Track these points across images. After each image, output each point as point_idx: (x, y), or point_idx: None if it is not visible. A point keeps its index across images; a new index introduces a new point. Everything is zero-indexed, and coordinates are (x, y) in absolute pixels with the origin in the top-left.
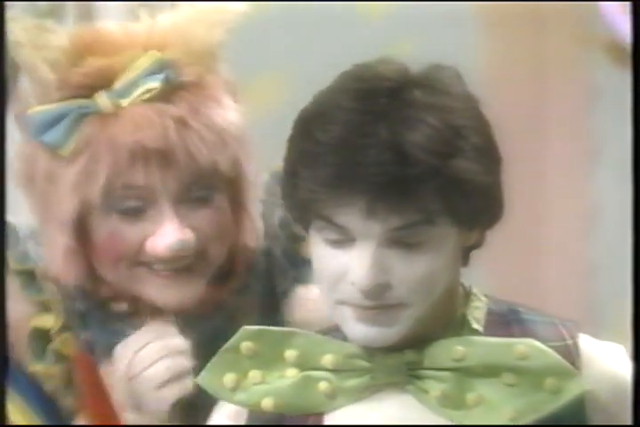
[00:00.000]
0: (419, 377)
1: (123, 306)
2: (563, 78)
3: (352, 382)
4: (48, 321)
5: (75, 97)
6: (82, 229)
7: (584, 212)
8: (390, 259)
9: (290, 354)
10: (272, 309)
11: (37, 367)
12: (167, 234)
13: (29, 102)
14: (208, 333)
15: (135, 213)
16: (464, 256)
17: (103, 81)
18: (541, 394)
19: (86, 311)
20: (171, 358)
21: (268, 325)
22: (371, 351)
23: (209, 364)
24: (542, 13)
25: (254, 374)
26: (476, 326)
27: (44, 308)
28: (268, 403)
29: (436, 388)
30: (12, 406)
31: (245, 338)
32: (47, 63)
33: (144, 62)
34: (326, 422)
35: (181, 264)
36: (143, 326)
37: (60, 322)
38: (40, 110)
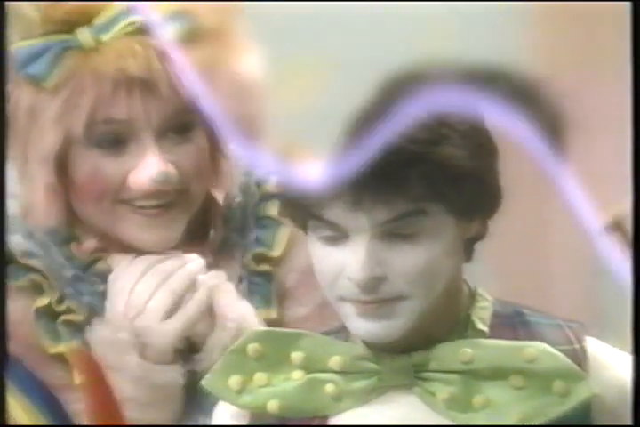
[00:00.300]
0: (426, 379)
1: (91, 243)
2: (610, 74)
3: (359, 385)
4: (45, 300)
5: (57, 33)
6: (62, 166)
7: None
8: (385, 251)
9: (296, 356)
10: (227, 264)
11: (59, 348)
12: (150, 166)
13: (12, 40)
14: None
15: (116, 148)
16: (467, 250)
17: (85, 18)
18: (549, 397)
19: (73, 274)
20: (173, 278)
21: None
22: (378, 353)
23: (214, 366)
24: (590, 7)
25: (260, 377)
26: (481, 326)
27: (36, 290)
28: (273, 405)
29: (443, 390)
30: (14, 403)
31: (252, 340)
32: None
33: (121, 4)
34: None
35: (163, 201)
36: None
37: (56, 295)
38: (23, 45)
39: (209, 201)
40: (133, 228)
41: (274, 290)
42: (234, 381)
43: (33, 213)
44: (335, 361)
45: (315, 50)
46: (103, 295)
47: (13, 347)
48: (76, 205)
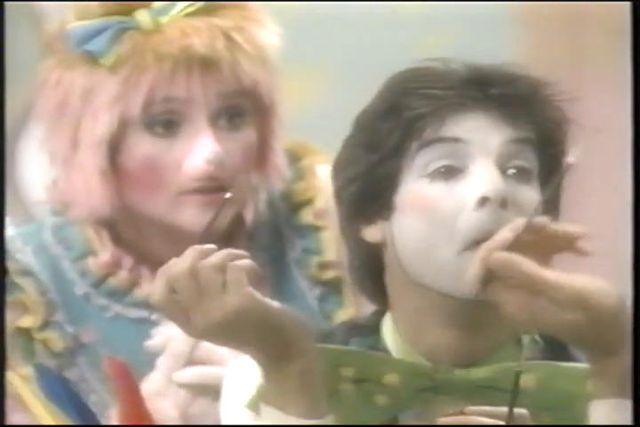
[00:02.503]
0: (486, 395)
1: (106, 255)
2: (601, 74)
3: (413, 396)
4: (28, 321)
5: (115, 14)
6: (115, 153)
7: (621, 211)
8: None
9: (347, 372)
10: (282, 280)
11: (24, 371)
12: (204, 147)
13: (65, 21)
14: None
15: (170, 131)
16: None
17: (143, 0)
18: None
19: (83, 297)
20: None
21: (279, 296)
22: (434, 367)
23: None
24: (580, 9)
25: None
26: (537, 337)
27: (23, 308)
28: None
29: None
30: (45, 411)
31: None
32: None
33: None
34: None
35: (217, 183)
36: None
37: (41, 319)
38: (81, 24)
39: (236, 219)
40: (188, 211)
41: (345, 292)
42: None
43: (83, 202)
44: (390, 378)
45: (318, 51)
46: (111, 321)
47: None
48: (126, 193)
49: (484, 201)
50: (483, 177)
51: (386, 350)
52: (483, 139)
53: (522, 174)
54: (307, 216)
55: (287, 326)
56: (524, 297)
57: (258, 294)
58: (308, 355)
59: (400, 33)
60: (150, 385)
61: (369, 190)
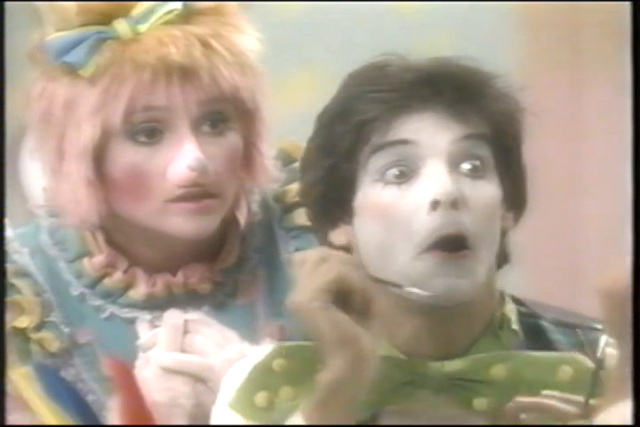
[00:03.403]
0: (462, 387)
1: (100, 258)
2: (597, 75)
3: (391, 390)
4: (24, 321)
5: (93, 24)
6: (100, 163)
7: (620, 211)
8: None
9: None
10: (275, 280)
11: (22, 370)
12: (187, 154)
13: (46, 32)
14: (211, 309)
15: (153, 139)
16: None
17: (121, 9)
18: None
19: (79, 298)
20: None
21: (273, 296)
22: (411, 361)
23: (239, 385)
24: (578, 11)
25: (286, 391)
26: (514, 326)
27: (20, 309)
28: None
29: (478, 399)
30: (47, 410)
31: (277, 356)
32: None
33: None
34: None
35: (202, 190)
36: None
37: (37, 319)
38: (60, 35)
39: (229, 221)
40: (175, 218)
41: None
42: (260, 398)
43: (73, 211)
44: None
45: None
46: (106, 322)
47: None
48: (113, 201)
49: (435, 204)
50: (433, 180)
51: None
52: (431, 139)
53: (476, 170)
54: (300, 217)
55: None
56: None
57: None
58: (357, 366)
59: (397, 35)
60: (148, 373)
61: (329, 195)
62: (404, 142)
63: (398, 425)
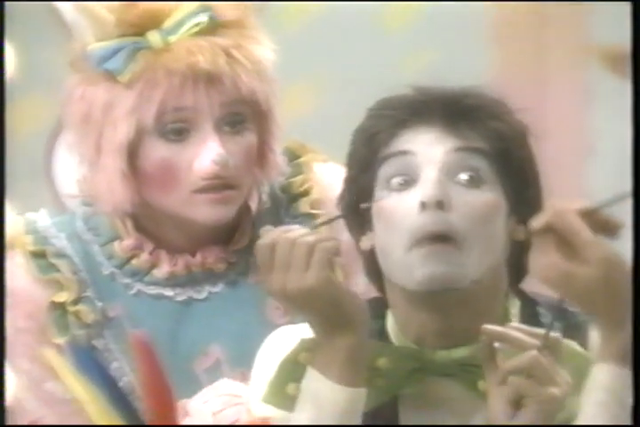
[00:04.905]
0: (467, 372)
1: (130, 241)
2: (562, 82)
3: (406, 379)
4: (62, 296)
5: (129, 35)
6: (133, 156)
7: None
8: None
9: None
10: None
11: (58, 341)
12: (211, 150)
13: (86, 42)
14: (225, 286)
15: (181, 137)
16: (516, 258)
17: (154, 21)
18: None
19: (109, 276)
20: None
21: None
22: (422, 351)
23: (270, 379)
24: (546, 26)
25: None
26: (514, 319)
27: (59, 285)
28: None
29: (483, 381)
30: (75, 383)
31: (302, 349)
32: (105, 7)
33: (189, 5)
34: None
35: (221, 183)
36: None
37: (74, 295)
38: (101, 45)
39: (243, 209)
40: (200, 207)
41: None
42: (291, 388)
43: (107, 200)
44: (382, 362)
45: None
46: (134, 298)
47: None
48: (145, 191)
49: (423, 205)
50: (424, 185)
51: (387, 335)
52: (428, 150)
53: (473, 181)
54: (304, 206)
55: (349, 306)
56: (558, 259)
57: (334, 277)
58: (360, 332)
59: (387, 50)
60: None
61: (353, 204)
62: (405, 153)
63: (388, 425)
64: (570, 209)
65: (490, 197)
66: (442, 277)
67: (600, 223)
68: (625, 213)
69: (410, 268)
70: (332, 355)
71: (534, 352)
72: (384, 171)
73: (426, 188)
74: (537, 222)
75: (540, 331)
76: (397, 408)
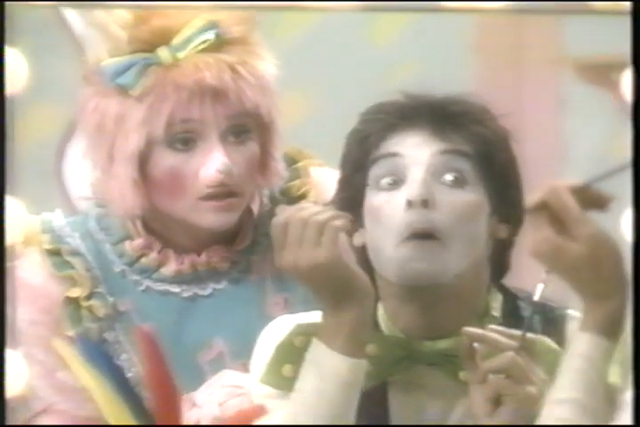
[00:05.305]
0: (450, 362)
1: (140, 241)
2: (539, 90)
3: (394, 366)
4: (76, 291)
5: (140, 51)
6: (144, 166)
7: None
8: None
9: None
10: None
11: (70, 334)
12: (216, 159)
13: (100, 58)
14: (228, 284)
15: (188, 147)
16: (498, 255)
17: (164, 38)
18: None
19: (120, 274)
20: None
21: (280, 274)
22: (409, 341)
23: (268, 360)
24: (525, 39)
25: None
26: (495, 313)
27: (73, 282)
28: None
29: (464, 371)
30: (84, 373)
31: (297, 333)
32: (118, 24)
33: (197, 22)
34: None
35: (225, 191)
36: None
37: (87, 290)
38: (113, 61)
39: (245, 211)
40: (205, 214)
41: None
42: (287, 369)
43: (119, 205)
44: (372, 349)
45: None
46: (143, 293)
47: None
48: (154, 197)
49: (409, 204)
50: (411, 184)
51: (378, 324)
52: (415, 152)
53: (457, 181)
54: None
55: (355, 282)
56: (550, 233)
57: (343, 255)
58: (365, 305)
59: (375, 62)
60: None
61: (346, 202)
62: (394, 155)
63: (400, 426)
64: (563, 187)
65: (473, 197)
66: (426, 272)
67: (591, 198)
68: (624, 191)
69: (397, 263)
70: (338, 327)
71: (512, 353)
72: (374, 171)
73: (412, 187)
74: (532, 199)
75: (517, 333)
76: (387, 393)
